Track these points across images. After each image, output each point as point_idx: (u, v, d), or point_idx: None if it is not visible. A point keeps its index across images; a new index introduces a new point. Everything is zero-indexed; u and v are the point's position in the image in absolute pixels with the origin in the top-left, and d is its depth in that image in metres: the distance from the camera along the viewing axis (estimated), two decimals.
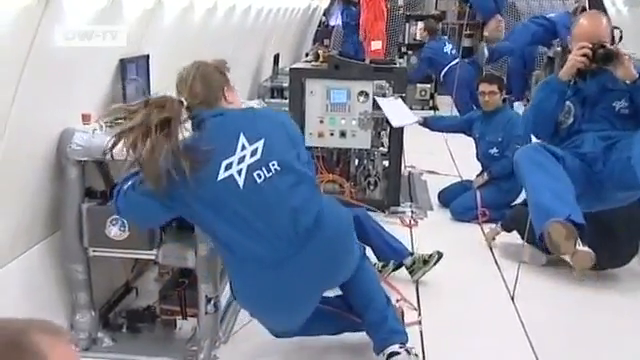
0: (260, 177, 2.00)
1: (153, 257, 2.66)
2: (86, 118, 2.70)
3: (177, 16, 3.63)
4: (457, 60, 7.57)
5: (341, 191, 4.62)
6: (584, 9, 4.86)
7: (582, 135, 2.71)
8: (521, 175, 2.69)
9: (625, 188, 2.67)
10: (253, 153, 2.00)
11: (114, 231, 2.56)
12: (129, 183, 2.10)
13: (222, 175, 1.98)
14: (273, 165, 2.01)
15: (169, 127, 1.92)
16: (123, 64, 3.01)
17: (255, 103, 3.40)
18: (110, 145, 1.99)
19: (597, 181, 2.67)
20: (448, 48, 7.67)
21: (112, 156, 2.01)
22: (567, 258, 2.63)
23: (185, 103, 2.05)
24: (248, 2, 5.27)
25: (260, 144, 2.01)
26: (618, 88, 2.62)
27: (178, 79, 2.15)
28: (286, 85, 5.75)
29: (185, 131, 2.05)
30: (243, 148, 1.99)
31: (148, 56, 3.26)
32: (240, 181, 1.98)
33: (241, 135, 2.01)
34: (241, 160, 1.99)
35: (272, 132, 2.08)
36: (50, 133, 2.58)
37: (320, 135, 4.52)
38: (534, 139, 3.25)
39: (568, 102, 2.73)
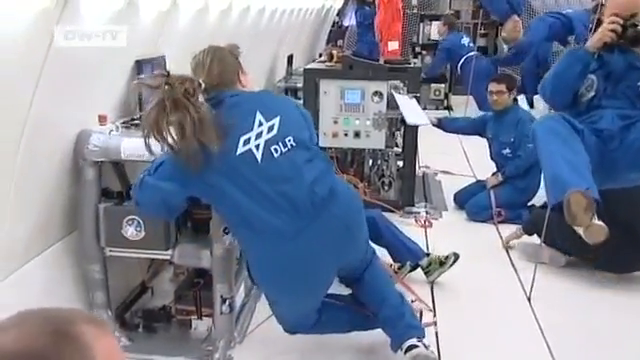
0: (277, 152, 2.06)
1: (169, 257, 2.67)
2: (102, 119, 2.72)
3: (192, 17, 3.65)
4: (474, 52, 7.60)
5: (355, 191, 4.60)
6: (602, 5, 4.81)
7: (601, 111, 2.64)
8: (538, 144, 2.63)
9: (638, 169, 2.62)
10: (270, 129, 2.06)
11: (130, 231, 2.58)
12: (145, 173, 2.17)
13: (241, 150, 2.03)
14: (289, 141, 2.07)
15: (193, 99, 1.96)
16: (139, 65, 3.04)
17: None
18: (149, 125, 1.97)
19: (611, 159, 2.61)
20: (465, 40, 7.95)
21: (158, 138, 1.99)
22: (580, 231, 2.56)
23: (203, 85, 2.08)
24: (262, 3, 5.29)
25: (277, 121, 2.07)
26: None
27: (194, 63, 2.20)
28: (300, 86, 5.75)
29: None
30: (260, 124, 2.05)
31: (164, 57, 3.28)
32: (258, 155, 2.04)
33: (257, 112, 2.07)
34: (259, 135, 2.04)
35: (287, 111, 2.15)
36: (67, 134, 2.61)
37: (334, 135, 4.52)
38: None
39: (592, 75, 2.65)
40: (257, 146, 2.04)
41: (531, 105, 8.29)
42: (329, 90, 4.50)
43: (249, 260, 2.31)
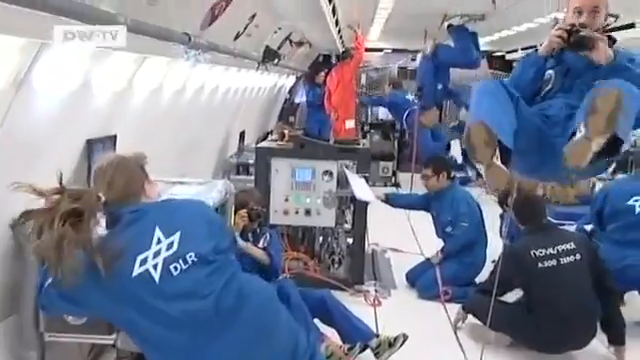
0: (177, 269, 1.95)
1: (112, 342, 2.57)
2: None
3: (146, 98, 3.70)
4: (417, 106, 8.04)
5: (305, 269, 4.61)
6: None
7: (553, 100, 2.73)
8: (471, 103, 2.66)
9: None
10: (169, 246, 1.96)
11: (72, 316, 2.48)
12: (50, 280, 1.97)
13: (137, 271, 1.92)
14: (190, 257, 1.97)
15: (81, 220, 1.84)
16: (90, 145, 3.04)
17: (221, 184, 3.43)
18: (20, 221, 1.88)
19: (550, 145, 2.58)
20: (410, 96, 8.61)
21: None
22: (482, 170, 2.42)
23: (103, 198, 1.97)
24: (216, 82, 5.42)
25: (177, 236, 1.97)
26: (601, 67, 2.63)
27: (96, 172, 2.07)
28: (252, 162, 5.83)
29: (100, 228, 1.96)
30: (159, 242, 1.96)
31: (115, 136, 3.29)
32: (156, 275, 1.93)
33: (157, 229, 1.96)
34: (157, 254, 1.94)
35: (189, 224, 2.03)
36: (9, 213, 2.54)
37: (285, 213, 4.56)
38: None
39: (551, 71, 2.73)
40: (155, 265, 1.93)
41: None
42: (280, 168, 4.58)
43: None
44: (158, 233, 1.96)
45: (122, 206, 1.99)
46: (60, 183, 1.88)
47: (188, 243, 1.97)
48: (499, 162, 2.30)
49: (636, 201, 3.90)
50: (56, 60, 2.40)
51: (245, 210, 3.54)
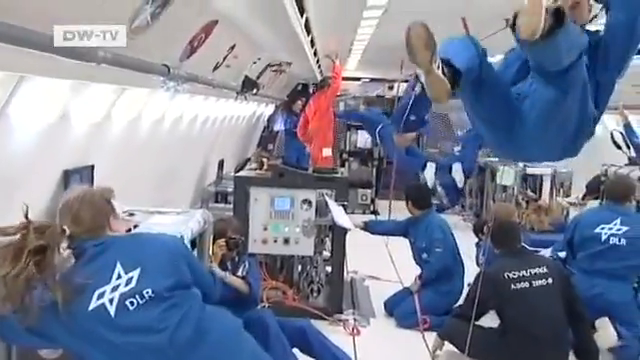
0: (133, 304, 1.97)
1: None
2: None
3: (124, 128, 3.71)
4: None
5: (284, 298, 4.60)
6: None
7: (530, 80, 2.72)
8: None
9: (540, 143, 2.58)
10: (128, 282, 1.98)
11: (45, 351, 2.43)
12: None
13: (93, 305, 1.94)
14: (147, 293, 1.99)
15: (44, 256, 1.86)
16: (67, 175, 3.03)
17: (199, 213, 3.43)
18: None
19: (519, 118, 2.60)
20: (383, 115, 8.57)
21: None
22: (422, 77, 2.29)
23: (68, 232, 1.99)
24: (195, 112, 5.45)
25: (136, 273, 1.99)
26: None
27: (62, 206, 2.08)
28: (230, 190, 5.83)
29: (64, 260, 1.99)
30: (119, 277, 1.98)
31: (93, 167, 3.29)
32: (112, 309, 1.96)
33: (118, 264, 1.99)
34: (114, 289, 1.97)
35: (151, 260, 2.05)
36: None
37: (264, 242, 4.56)
38: None
39: None
40: (111, 300, 1.95)
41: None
42: (259, 197, 4.59)
43: None
44: (119, 268, 1.98)
45: (87, 240, 2.02)
46: (26, 217, 1.89)
47: (147, 279, 1.99)
48: (438, 70, 2.19)
49: (602, 229, 3.97)
50: (34, 93, 2.40)
51: (223, 239, 3.53)
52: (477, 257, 5.06)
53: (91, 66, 2.22)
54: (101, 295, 1.95)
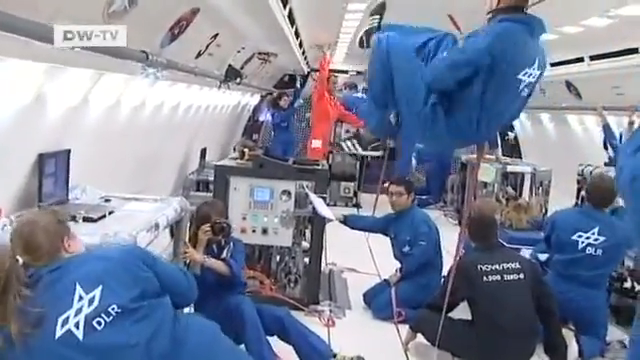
0: (100, 324, 1.91)
1: None
2: None
3: (103, 113, 3.69)
4: None
5: (261, 287, 4.61)
6: None
7: None
8: None
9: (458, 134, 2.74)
10: (91, 302, 1.91)
11: None
12: None
13: (59, 332, 1.87)
14: (113, 309, 1.93)
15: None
16: (42, 159, 3.00)
17: (177, 201, 3.43)
18: None
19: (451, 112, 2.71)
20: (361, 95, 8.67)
21: None
22: None
23: (21, 260, 1.91)
24: (177, 99, 5.42)
25: (98, 291, 1.93)
26: None
27: (12, 233, 2.01)
28: (212, 179, 5.81)
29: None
30: (80, 299, 1.91)
31: (69, 151, 3.26)
32: (79, 333, 1.89)
33: (77, 286, 1.92)
34: (78, 312, 1.90)
35: (111, 275, 1.98)
36: None
37: (242, 231, 4.54)
38: None
39: None
40: (77, 324, 1.88)
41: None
42: (239, 187, 4.59)
43: None
44: (79, 290, 1.92)
45: (41, 267, 1.95)
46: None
47: (109, 296, 1.94)
48: None
49: (580, 237, 3.99)
50: (8, 75, 2.38)
51: (208, 225, 3.51)
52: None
53: (66, 50, 2.19)
54: (65, 321, 1.88)
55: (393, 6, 3.78)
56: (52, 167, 3.10)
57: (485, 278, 3.51)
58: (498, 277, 3.51)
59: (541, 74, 2.70)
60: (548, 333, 3.60)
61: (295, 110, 10.15)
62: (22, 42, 2.04)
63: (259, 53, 7.19)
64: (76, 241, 2.10)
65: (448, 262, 4.91)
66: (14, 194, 2.91)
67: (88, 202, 3.27)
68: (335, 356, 3.45)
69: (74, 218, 2.83)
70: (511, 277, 3.52)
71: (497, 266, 3.53)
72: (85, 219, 2.87)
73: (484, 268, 3.53)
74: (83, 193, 3.41)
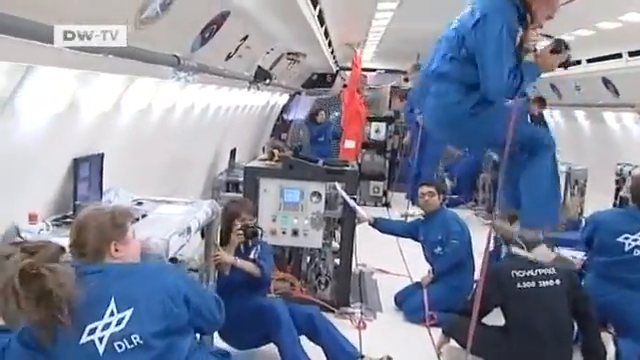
0: (121, 347, 1.93)
1: None
2: (33, 217, 2.68)
3: (134, 116, 3.72)
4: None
5: (292, 289, 4.60)
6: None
7: None
8: None
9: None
10: (119, 322, 1.94)
11: None
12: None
13: (84, 339, 1.91)
14: (135, 338, 1.95)
15: (36, 276, 1.81)
16: (76, 163, 3.04)
17: (207, 204, 3.43)
18: None
19: None
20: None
21: None
22: None
23: (67, 250, 1.96)
24: (206, 101, 5.45)
25: (128, 314, 1.95)
26: None
27: (73, 224, 2.08)
28: (241, 179, 5.83)
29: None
30: (111, 314, 1.94)
31: (102, 155, 3.30)
32: (101, 348, 1.91)
33: (112, 300, 1.94)
34: (106, 327, 1.93)
35: (145, 300, 1.99)
36: None
37: (273, 233, 4.54)
38: None
39: None
40: (101, 339, 1.91)
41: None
42: (269, 188, 4.58)
43: None
44: (112, 305, 1.94)
45: (84, 264, 1.98)
46: (19, 236, 1.88)
47: (137, 324, 1.95)
48: None
49: (626, 239, 3.87)
50: (42, 83, 2.41)
51: (242, 226, 3.53)
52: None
53: (98, 57, 2.21)
54: (92, 331, 1.91)
55: None
56: (86, 171, 3.14)
57: (519, 285, 3.42)
58: (533, 284, 3.42)
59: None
60: (586, 337, 3.50)
61: (331, 124, 10.08)
62: (55, 50, 2.06)
63: (288, 53, 7.20)
64: (128, 246, 2.10)
65: (480, 264, 4.83)
66: (50, 199, 2.95)
67: (121, 205, 3.29)
68: (362, 357, 3.46)
69: None
70: (546, 283, 3.43)
71: (532, 272, 3.44)
72: None
73: (518, 274, 3.44)
74: (116, 196, 3.45)
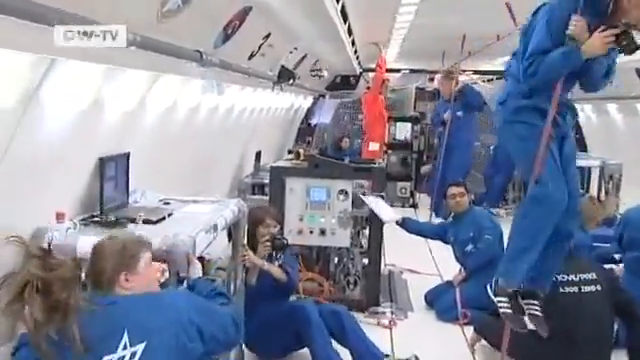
0: None
1: None
2: (60, 217, 2.66)
3: (160, 115, 3.71)
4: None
5: (320, 290, 4.54)
6: None
7: None
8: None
9: None
10: (132, 356, 1.89)
11: None
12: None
13: None
14: None
15: (52, 290, 1.77)
16: (102, 162, 3.03)
17: (234, 203, 3.40)
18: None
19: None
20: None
21: None
22: None
23: (83, 275, 1.93)
24: (231, 102, 5.43)
25: (140, 349, 1.90)
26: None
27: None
28: (267, 182, 5.80)
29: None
30: (125, 347, 1.89)
31: (129, 154, 3.28)
32: None
33: (125, 333, 1.89)
34: None
35: (158, 334, 1.94)
36: (22, 231, 2.52)
37: (299, 232, 4.50)
38: None
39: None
40: None
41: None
42: (295, 188, 4.54)
43: None
44: (125, 338, 1.89)
45: (96, 293, 1.95)
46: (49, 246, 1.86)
47: (150, 358, 1.89)
48: None
49: None
50: (66, 77, 2.40)
51: (269, 238, 3.55)
52: None
53: (122, 50, 2.18)
54: None
55: None
56: (112, 170, 3.12)
57: (562, 289, 3.32)
58: (576, 289, 3.32)
59: None
60: (633, 337, 3.38)
61: (355, 152, 9.94)
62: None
63: (311, 70, 7.25)
64: (140, 277, 2.05)
65: None
66: (77, 198, 2.94)
67: (147, 205, 3.28)
68: (387, 356, 3.47)
69: (134, 221, 2.83)
70: (588, 289, 3.33)
71: (574, 277, 3.33)
72: (145, 221, 2.87)
73: (560, 278, 3.32)
74: (142, 196, 3.43)
